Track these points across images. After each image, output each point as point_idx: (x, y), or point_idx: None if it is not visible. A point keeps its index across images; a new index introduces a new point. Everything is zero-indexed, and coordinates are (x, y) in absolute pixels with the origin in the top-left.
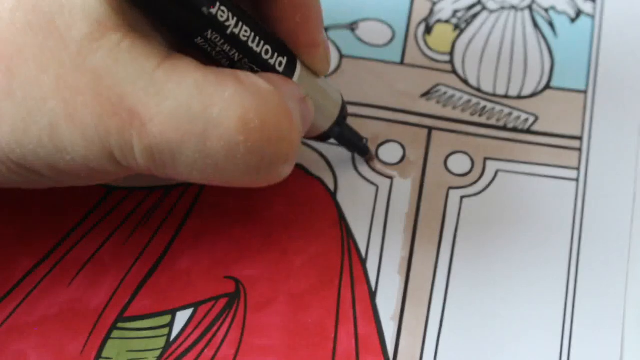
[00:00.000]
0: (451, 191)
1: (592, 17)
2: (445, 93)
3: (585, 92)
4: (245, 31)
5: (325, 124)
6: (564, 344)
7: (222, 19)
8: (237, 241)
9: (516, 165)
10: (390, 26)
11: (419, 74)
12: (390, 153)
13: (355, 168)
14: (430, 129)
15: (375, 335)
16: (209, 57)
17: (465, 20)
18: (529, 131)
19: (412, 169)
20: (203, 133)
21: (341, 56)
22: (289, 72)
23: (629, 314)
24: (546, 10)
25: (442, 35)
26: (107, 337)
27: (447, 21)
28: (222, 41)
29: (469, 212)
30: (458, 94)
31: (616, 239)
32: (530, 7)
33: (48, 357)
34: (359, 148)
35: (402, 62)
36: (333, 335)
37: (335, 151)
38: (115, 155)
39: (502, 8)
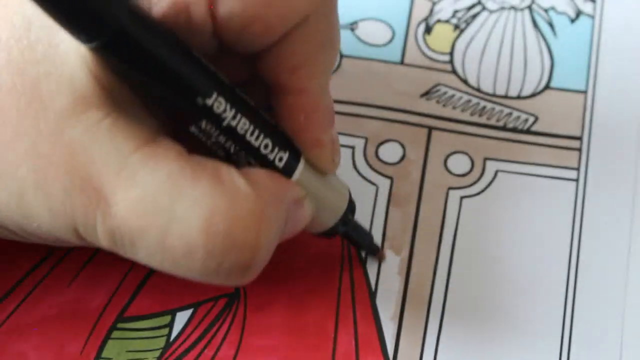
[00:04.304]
0: (451, 191)
1: (592, 17)
2: (445, 93)
3: (585, 92)
4: (244, 124)
5: (330, 220)
6: (563, 344)
7: (218, 111)
8: None
9: (516, 166)
10: (390, 26)
11: (418, 74)
12: (390, 153)
13: (355, 168)
14: (430, 129)
15: (375, 335)
16: (204, 146)
17: (465, 21)
18: (528, 131)
19: (412, 168)
20: (165, 227)
21: (341, 56)
22: (290, 167)
23: (629, 314)
24: (546, 10)
25: (442, 35)
26: (107, 337)
27: (447, 21)
28: (217, 132)
29: (468, 212)
30: (458, 94)
31: (616, 239)
32: (530, 8)
33: (48, 357)
34: (366, 247)
35: (402, 62)
36: (333, 335)
37: None
38: (79, 230)
39: (502, 8)
